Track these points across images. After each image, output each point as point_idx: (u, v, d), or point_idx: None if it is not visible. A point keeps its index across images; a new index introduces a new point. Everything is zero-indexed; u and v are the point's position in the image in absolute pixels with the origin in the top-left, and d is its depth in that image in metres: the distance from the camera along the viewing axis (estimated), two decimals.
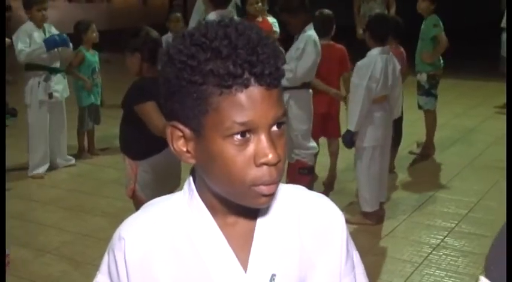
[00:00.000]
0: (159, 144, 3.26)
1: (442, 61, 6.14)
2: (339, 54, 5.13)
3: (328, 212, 1.12)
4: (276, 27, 6.42)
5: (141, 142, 3.33)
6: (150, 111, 3.11)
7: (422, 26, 6.05)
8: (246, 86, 0.92)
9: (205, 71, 0.92)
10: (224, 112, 0.92)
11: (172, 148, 1.01)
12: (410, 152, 6.22)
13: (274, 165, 0.95)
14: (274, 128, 0.96)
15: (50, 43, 5.28)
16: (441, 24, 5.97)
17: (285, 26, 4.80)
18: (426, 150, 6.22)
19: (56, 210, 4.83)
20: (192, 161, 1.00)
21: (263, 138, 0.94)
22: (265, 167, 0.95)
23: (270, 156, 0.94)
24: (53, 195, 5.17)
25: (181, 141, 1.00)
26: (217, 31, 0.94)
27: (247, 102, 0.92)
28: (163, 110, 1.01)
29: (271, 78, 0.93)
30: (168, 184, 3.32)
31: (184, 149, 1.00)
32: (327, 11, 5.09)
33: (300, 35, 4.43)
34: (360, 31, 7.46)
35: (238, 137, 0.93)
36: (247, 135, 0.94)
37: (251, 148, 0.94)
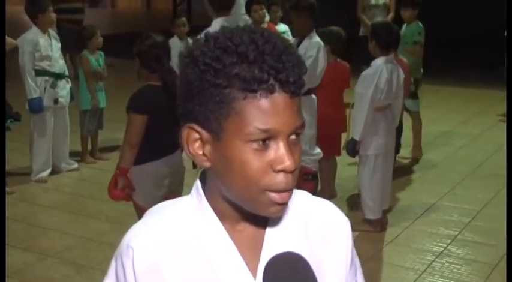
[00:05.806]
0: (150, 154, 3.32)
1: (421, 69, 6.39)
2: (343, 72, 5.06)
3: (335, 218, 1.14)
4: (289, 36, 6.44)
5: None
6: (136, 125, 3.28)
7: (404, 31, 6.17)
8: (271, 92, 0.92)
9: (230, 75, 0.92)
10: (247, 117, 0.93)
11: (187, 151, 1.01)
12: (399, 157, 6.21)
13: (291, 172, 0.96)
14: (292, 136, 0.97)
15: (36, 106, 5.33)
16: (423, 34, 6.25)
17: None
18: (415, 153, 6.32)
19: (59, 214, 4.84)
20: (207, 164, 1.00)
21: (282, 145, 0.95)
22: (281, 174, 0.96)
23: (288, 163, 0.95)
24: (56, 199, 5.18)
25: (197, 144, 1.00)
26: (242, 36, 0.95)
27: (271, 108, 0.93)
28: (180, 111, 1.00)
29: (294, 87, 0.94)
30: (160, 192, 3.35)
31: (200, 152, 1.00)
32: (337, 29, 5.02)
33: (306, 40, 4.45)
34: (367, 22, 7.58)
35: (260, 143, 0.94)
36: (267, 141, 0.95)
37: (269, 154, 0.95)
